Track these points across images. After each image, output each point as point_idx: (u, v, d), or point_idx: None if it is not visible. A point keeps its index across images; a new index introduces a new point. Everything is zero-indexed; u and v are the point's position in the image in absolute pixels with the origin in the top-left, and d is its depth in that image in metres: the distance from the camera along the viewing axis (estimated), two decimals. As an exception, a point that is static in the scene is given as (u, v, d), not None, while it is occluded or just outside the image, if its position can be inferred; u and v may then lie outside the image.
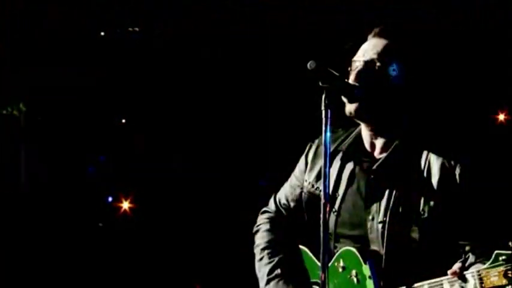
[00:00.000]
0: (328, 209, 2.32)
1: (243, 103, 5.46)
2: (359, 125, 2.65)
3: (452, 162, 2.42)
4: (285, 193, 2.85)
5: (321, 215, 2.30)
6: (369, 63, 2.49)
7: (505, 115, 5.41)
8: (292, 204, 2.81)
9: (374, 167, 2.53)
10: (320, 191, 2.60)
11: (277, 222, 2.84)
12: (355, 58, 2.55)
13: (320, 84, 2.35)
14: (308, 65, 2.33)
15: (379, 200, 2.50)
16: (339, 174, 2.61)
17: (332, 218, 2.61)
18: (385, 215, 2.47)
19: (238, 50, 5.23)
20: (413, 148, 2.50)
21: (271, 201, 2.91)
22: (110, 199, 5.58)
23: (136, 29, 5.40)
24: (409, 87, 2.50)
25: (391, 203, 2.47)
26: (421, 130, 2.55)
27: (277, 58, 5.15)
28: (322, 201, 2.32)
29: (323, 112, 2.34)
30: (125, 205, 5.49)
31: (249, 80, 5.35)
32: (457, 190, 2.41)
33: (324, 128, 2.34)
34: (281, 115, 5.38)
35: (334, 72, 2.37)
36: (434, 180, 2.43)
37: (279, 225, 2.83)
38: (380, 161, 2.53)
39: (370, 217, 2.52)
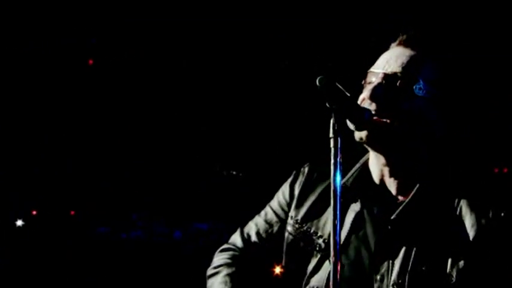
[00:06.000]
0: (339, 267, 1.81)
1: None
2: (363, 155, 2.16)
3: (491, 215, 1.95)
4: (258, 229, 2.28)
5: (331, 274, 1.79)
6: (389, 78, 2.00)
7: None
8: (266, 243, 2.25)
9: (393, 215, 2.02)
10: (312, 233, 2.13)
11: (244, 263, 2.25)
12: (372, 69, 2.06)
13: (328, 105, 1.84)
14: (317, 80, 1.82)
15: (394, 255, 2.00)
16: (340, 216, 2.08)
17: (325, 268, 2.09)
18: (400, 275, 1.97)
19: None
20: (441, 193, 2.03)
21: (237, 236, 2.32)
22: None
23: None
24: (438, 111, 2.02)
25: (411, 261, 1.97)
26: (447, 167, 2.07)
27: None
28: (332, 259, 1.81)
29: (331, 140, 1.82)
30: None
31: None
32: (496, 250, 1.94)
33: (333, 161, 1.83)
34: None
35: (344, 90, 1.86)
36: (467, 236, 1.95)
37: (246, 268, 2.24)
38: (400, 208, 2.02)
39: (379, 276, 2.01)
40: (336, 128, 1.81)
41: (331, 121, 1.82)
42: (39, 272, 4.46)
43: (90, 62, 4.51)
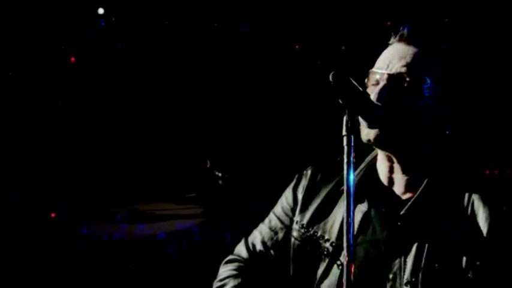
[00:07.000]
0: (352, 269, 1.75)
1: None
2: (368, 154, 2.11)
3: (505, 208, 1.90)
4: (262, 237, 2.21)
5: (344, 278, 1.75)
6: (395, 78, 1.93)
7: None
8: (272, 251, 2.18)
9: (403, 211, 1.96)
10: (318, 236, 2.07)
11: (251, 274, 2.17)
12: (375, 69, 1.99)
13: (340, 101, 1.78)
14: (331, 75, 1.75)
15: (405, 253, 1.95)
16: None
17: (334, 273, 2.03)
18: (413, 273, 1.92)
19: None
20: (450, 188, 1.98)
21: (241, 247, 2.24)
22: None
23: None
24: (444, 109, 1.97)
25: (424, 258, 1.92)
26: (455, 163, 2.03)
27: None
28: (345, 259, 1.76)
29: (345, 139, 1.76)
30: None
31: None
32: (511, 244, 1.88)
33: (346, 160, 1.77)
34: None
35: (358, 86, 1.80)
36: (480, 231, 1.90)
37: (253, 280, 2.17)
38: (410, 203, 1.97)
39: (391, 275, 1.95)
40: (349, 125, 1.76)
41: (344, 118, 1.76)
42: (20, 274, 4.35)
43: (72, 59, 4.41)
